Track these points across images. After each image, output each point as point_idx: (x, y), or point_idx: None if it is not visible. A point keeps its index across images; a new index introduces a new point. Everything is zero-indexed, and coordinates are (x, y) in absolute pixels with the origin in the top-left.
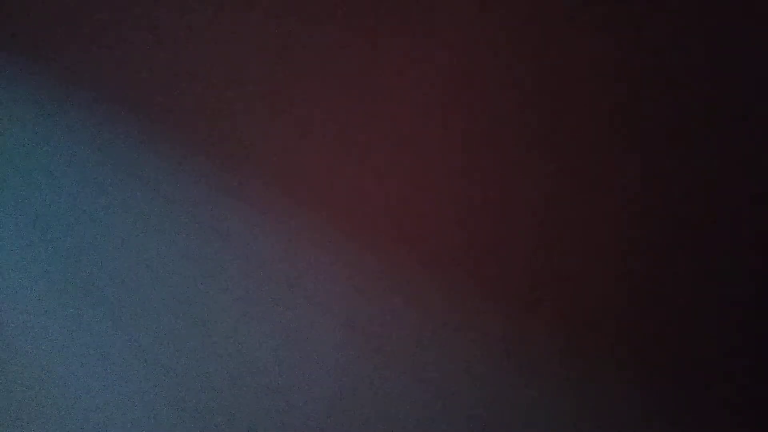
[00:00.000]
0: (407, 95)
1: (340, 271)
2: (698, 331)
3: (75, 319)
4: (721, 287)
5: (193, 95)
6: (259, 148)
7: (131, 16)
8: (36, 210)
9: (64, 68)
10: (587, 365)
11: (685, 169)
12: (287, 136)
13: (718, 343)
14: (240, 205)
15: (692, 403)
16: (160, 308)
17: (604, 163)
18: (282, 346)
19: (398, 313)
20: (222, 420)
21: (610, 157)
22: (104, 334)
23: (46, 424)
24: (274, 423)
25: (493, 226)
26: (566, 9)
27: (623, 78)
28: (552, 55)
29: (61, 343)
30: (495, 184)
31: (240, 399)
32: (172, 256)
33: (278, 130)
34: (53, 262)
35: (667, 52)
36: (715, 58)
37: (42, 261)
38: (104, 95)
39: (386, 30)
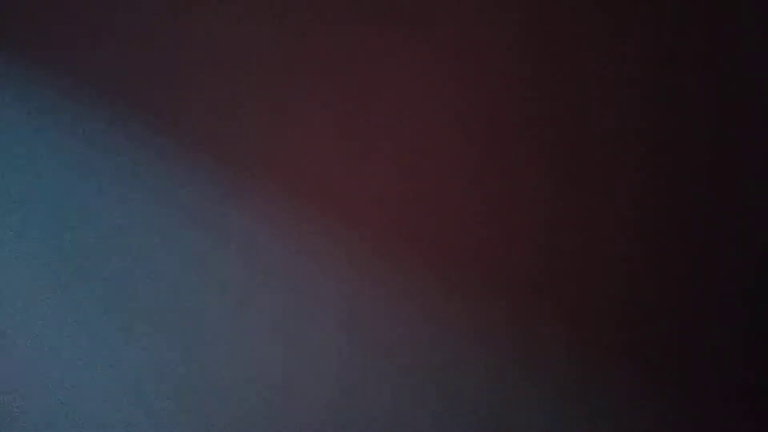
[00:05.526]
0: (408, 95)
1: (341, 271)
2: (702, 329)
3: (75, 319)
4: (724, 286)
5: (193, 95)
6: (260, 148)
7: (132, 17)
8: (36, 210)
9: (66, 68)
10: (594, 366)
11: (688, 168)
12: (288, 136)
13: (722, 340)
14: (241, 205)
15: (697, 400)
16: (160, 308)
17: (607, 162)
18: (284, 346)
19: (401, 314)
20: (223, 421)
21: (612, 156)
22: (103, 334)
23: (44, 425)
24: (277, 424)
25: (496, 226)
26: (567, 8)
27: (624, 77)
28: (553, 55)
29: (61, 344)
30: (497, 183)
31: (242, 399)
32: (172, 255)
33: (279, 129)
34: (53, 261)
35: (669, 51)
36: (716, 57)
37: (42, 261)
38: (105, 94)
39: (387, 30)
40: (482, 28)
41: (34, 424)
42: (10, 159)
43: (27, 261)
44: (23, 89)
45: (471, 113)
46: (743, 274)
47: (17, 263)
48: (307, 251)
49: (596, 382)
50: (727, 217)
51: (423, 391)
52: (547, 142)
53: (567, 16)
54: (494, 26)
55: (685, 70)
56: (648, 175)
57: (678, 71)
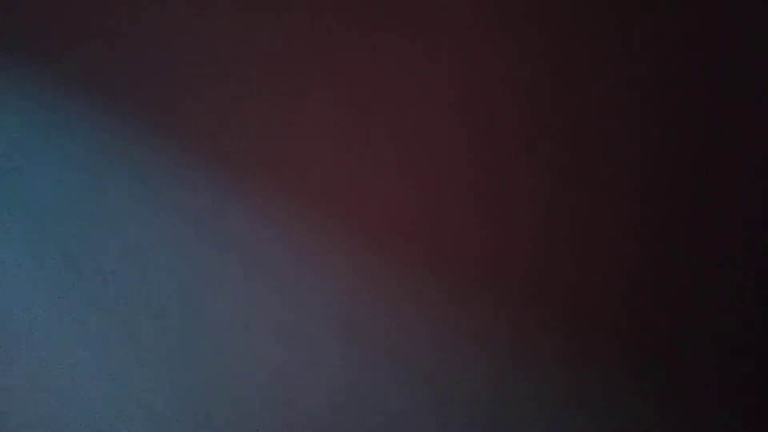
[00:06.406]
0: (408, 95)
1: (342, 271)
2: (702, 330)
3: (74, 318)
4: (725, 286)
5: (193, 94)
6: (260, 147)
7: (132, 16)
8: (35, 209)
9: (64, 66)
10: (593, 366)
11: (687, 170)
12: (288, 136)
13: (721, 342)
14: (241, 204)
15: (697, 401)
16: (160, 308)
17: (607, 162)
18: (284, 345)
19: (401, 314)
20: (223, 421)
21: (612, 157)
22: (104, 334)
23: (45, 425)
24: (276, 423)
25: (496, 227)
26: (567, 8)
27: (625, 77)
28: (553, 55)
29: (61, 343)
30: (497, 184)
31: (241, 399)
32: (172, 255)
33: (279, 129)
34: (52, 261)
35: (669, 51)
36: (717, 57)
37: (41, 260)
38: (104, 94)
39: (387, 29)
40: (482, 28)
41: (32, 424)
42: (9, 158)
43: (26, 261)
44: (23, 89)
45: (471, 113)
46: (744, 274)
47: (16, 263)
48: (308, 251)
49: (596, 382)
50: (727, 218)
51: (423, 392)
52: (548, 142)
53: (567, 16)
54: (494, 26)
55: (686, 69)
56: (648, 177)
57: (678, 71)
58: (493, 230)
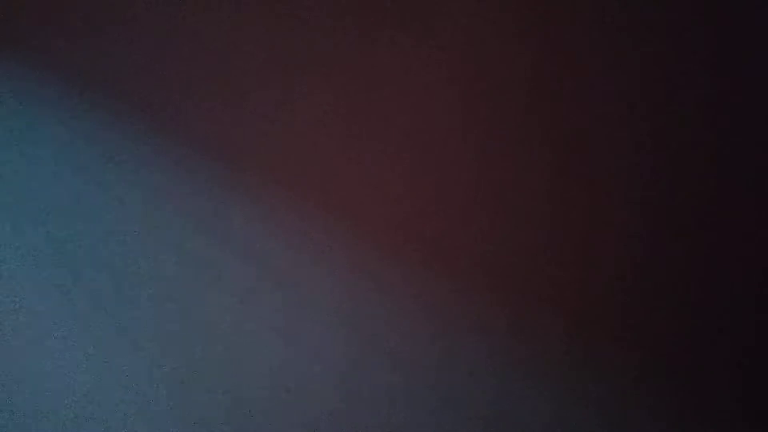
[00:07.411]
0: (409, 93)
1: (342, 270)
2: (702, 331)
3: (73, 318)
4: (726, 286)
5: (194, 93)
6: (260, 147)
7: (132, 15)
8: (34, 208)
9: (65, 67)
10: (591, 366)
11: (689, 170)
12: (289, 135)
13: (722, 342)
14: (242, 204)
15: (696, 401)
16: (160, 308)
17: (608, 162)
18: (284, 346)
19: (403, 315)
20: (223, 421)
21: (614, 157)
22: (102, 334)
23: (44, 425)
24: (276, 424)
25: (498, 226)
26: (568, 7)
27: (625, 78)
28: (554, 55)
29: (59, 343)
30: (500, 183)
31: (241, 400)
32: (171, 254)
33: (279, 129)
34: (51, 260)
35: (670, 51)
36: (716, 56)
37: (40, 260)
38: (105, 92)
39: (388, 28)
40: (483, 27)
41: (30, 422)
42: (9, 158)
43: (25, 261)
44: (23, 87)
45: (473, 112)
46: (745, 274)
47: (15, 263)
48: (309, 251)
49: (596, 382)
50: (728, 218)
51: (423, 391)
52: (550, 141)
53: (568, 15)
54: (495, 25)
55: (688, 69)
56: (651, 176)
57: (681, 70)
58: (495, 229)
